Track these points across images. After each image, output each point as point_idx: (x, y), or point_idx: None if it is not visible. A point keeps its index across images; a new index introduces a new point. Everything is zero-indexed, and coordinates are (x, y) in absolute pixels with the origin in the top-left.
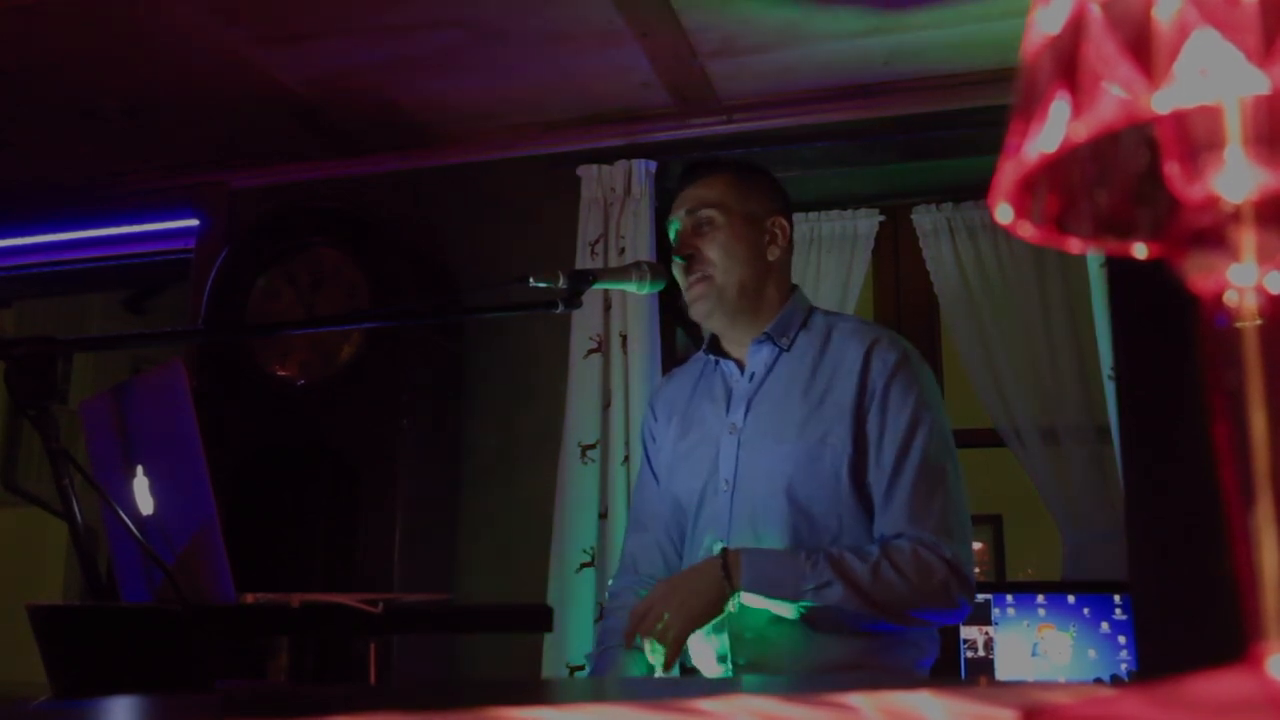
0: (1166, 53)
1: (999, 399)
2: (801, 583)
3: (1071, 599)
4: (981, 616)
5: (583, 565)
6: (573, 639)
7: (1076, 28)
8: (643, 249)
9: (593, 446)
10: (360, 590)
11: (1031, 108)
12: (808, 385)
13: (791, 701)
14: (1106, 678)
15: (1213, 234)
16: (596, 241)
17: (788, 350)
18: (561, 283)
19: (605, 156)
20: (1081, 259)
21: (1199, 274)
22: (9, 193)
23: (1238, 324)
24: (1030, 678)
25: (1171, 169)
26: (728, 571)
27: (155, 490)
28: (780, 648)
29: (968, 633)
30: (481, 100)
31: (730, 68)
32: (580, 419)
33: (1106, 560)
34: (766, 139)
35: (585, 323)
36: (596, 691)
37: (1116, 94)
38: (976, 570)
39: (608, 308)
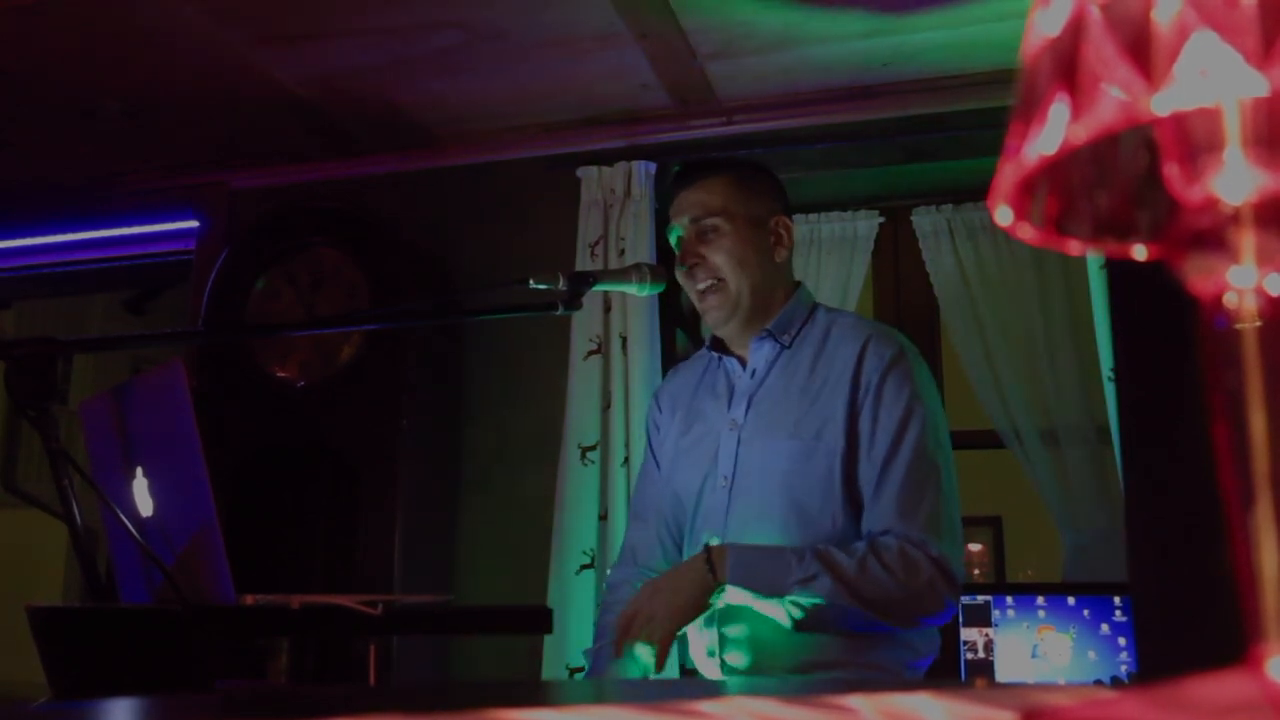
0: (1166, 55)
1: (999, 400)
2: (787, 576)
3: (1071, 600)
4: (981, 618)
5: (583, 567)
6: (573, 641)
7: (1076, 29)
8: (643, 251)
9: (593, 448)
10: (360, 591)
11: (1031, 109)
12: (806, 382)
13: (791, 703)
14: (1106, 679)
15: (1212, 236)
16: (596, 243)
17: (789, 347)
18: (561, 284)
19: (605, 158)
20: (1081, 260)
21: (1198, 275)
22: (9, 193)
23: (1237, 325)
24: (1030, 679)
25: (1171, 171)
26: (712, 566)
27: (155, 491)
28: (768, 644)
29: (967, 634)
30: (481, 101)
31: (730, 69)
32: (580, 420)
33: (1106, 561)
34: (766, 140)
35: (585, 324)
36: (596, 693)
37: (1116, 96)
38: (976, 572)
39: (608, 309)
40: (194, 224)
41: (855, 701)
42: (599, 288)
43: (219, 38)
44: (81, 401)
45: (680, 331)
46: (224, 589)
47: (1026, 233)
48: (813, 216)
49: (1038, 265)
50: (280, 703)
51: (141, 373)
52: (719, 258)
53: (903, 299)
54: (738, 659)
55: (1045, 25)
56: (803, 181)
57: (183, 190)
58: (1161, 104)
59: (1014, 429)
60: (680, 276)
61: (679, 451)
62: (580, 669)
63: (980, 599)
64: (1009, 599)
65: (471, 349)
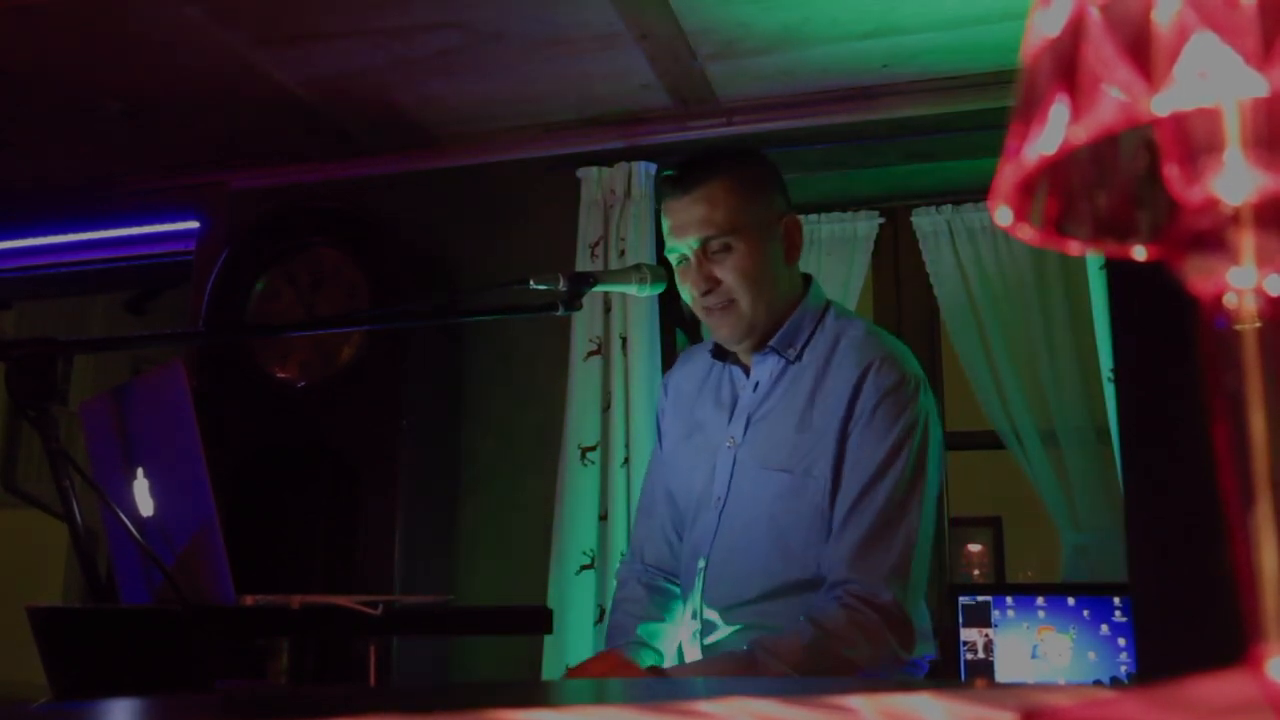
0: (1166, 55)
1: (999, 401)
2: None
3: (1071, 601)
4: (981, 618)
5: (583, 567)
6: (572, 641)
7: (1076, 30)
8: (643, 251)
9: (593, 449)
10: (360, 591)
11: (1031, 110)
12: (805, 408)
13: (791, 703)
14: (1106, 680)
15: (1212, 236)
16: (596, 244)
17: (795, 361)
18: (561, 285)
19: (605, 159)
20: (1081, 261)
21: (1198, 276)
22: (9, 193)
23: (1237, 326)
24: (1030, 680)
25: (1171, 171)
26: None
27: (155, 491)
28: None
29: (967, 634)
30: (481, 102)
31: (730, 70)
32: (580, 421)
33: (1106, 562)
34: (766, 141)
35: (585, 325)
36: (596, 693)
37: (1116, 96)
38: (976, 572)
39: (608, 310)
40: (194, 224)
41: (855, 701)
42: (599, 288)
43: (219, 38)
44: (82, 402)
45: (680, 332)
46: (224, 589)
47: (1026, 233)
48: (813, 217)
49: (1038, 266)
50: (280, 703)
51: (142, 373)
52: (733, 279)
53: (903, 300)
54: (717, 648)
55: (1045, 26)
56: (803, 182)
57: (183, 190)
58: (1161, 105)
59: (1014, 429)
60: (685, 295)
61: (679, 457)
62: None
63: (980, 599)
64: (1009, 599)
65: (471, 349)
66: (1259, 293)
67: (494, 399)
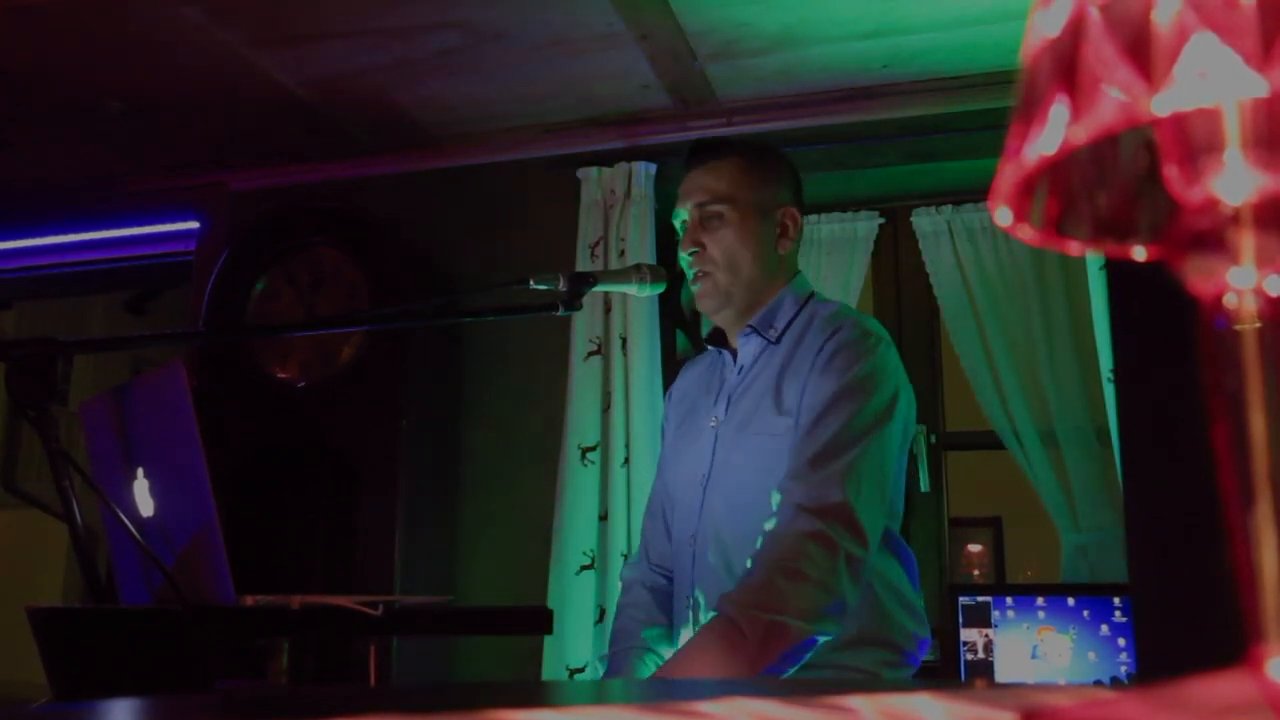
0: (1166, 56)
1: (999, 400)
2: (745, 650)
3: (1071, 601)
4: (981, 618)
5: (583, 568)
6: (573, 641)
7: (1076, 30)
8: (643, 251)
9: (593, 449)
10: (360, 592)
11: (1031, 110)
12: (775, 381)
13: (791, 704)
14: (1106, 680)
15: (1212, 236)
16: (597, 244)
17: (775, 343)
18: (562, 285)
19: (605, 159)
20: (1081, 261)
21: (1198, 276)
22: (9, 193)
23: (1237, 326)
24: (1030, 680)
25: (1171, 172)
26: None
27: (155, 491)
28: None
29: (967, 635)
30: (481, 102)
31: (730, 70)
32: (580, 421)
33: (1106, 562)
34: (766, 141)
35: (585, 325)
36: (596, 694)
37: (1116, 97)
38: (976, 572)
39: (608, 310)
40: (194, 224)
41: (855, 702)
42: (599, 288)
43: (219, 38)
44: (82, 402)
45: (680, 332)
46: (224, 589)
47: (1026, 233)
48: (813, 217)
49: (1038, 266)
50: (280, 703)
51: (142, 373)
52: (718, 249)
53: (903, 300)
54: None
55: (1045, 26)
56: (803, 182)
57: (183, 191)
58: (1161, 105)
59: (1014, 429)
60: (682, 261)
61: (674, 447)
62: (580, 669)
63: (980, 599)
64: (1009, 599)
65: (471, 349)
66: (1259, 293)
67: (494, 399)
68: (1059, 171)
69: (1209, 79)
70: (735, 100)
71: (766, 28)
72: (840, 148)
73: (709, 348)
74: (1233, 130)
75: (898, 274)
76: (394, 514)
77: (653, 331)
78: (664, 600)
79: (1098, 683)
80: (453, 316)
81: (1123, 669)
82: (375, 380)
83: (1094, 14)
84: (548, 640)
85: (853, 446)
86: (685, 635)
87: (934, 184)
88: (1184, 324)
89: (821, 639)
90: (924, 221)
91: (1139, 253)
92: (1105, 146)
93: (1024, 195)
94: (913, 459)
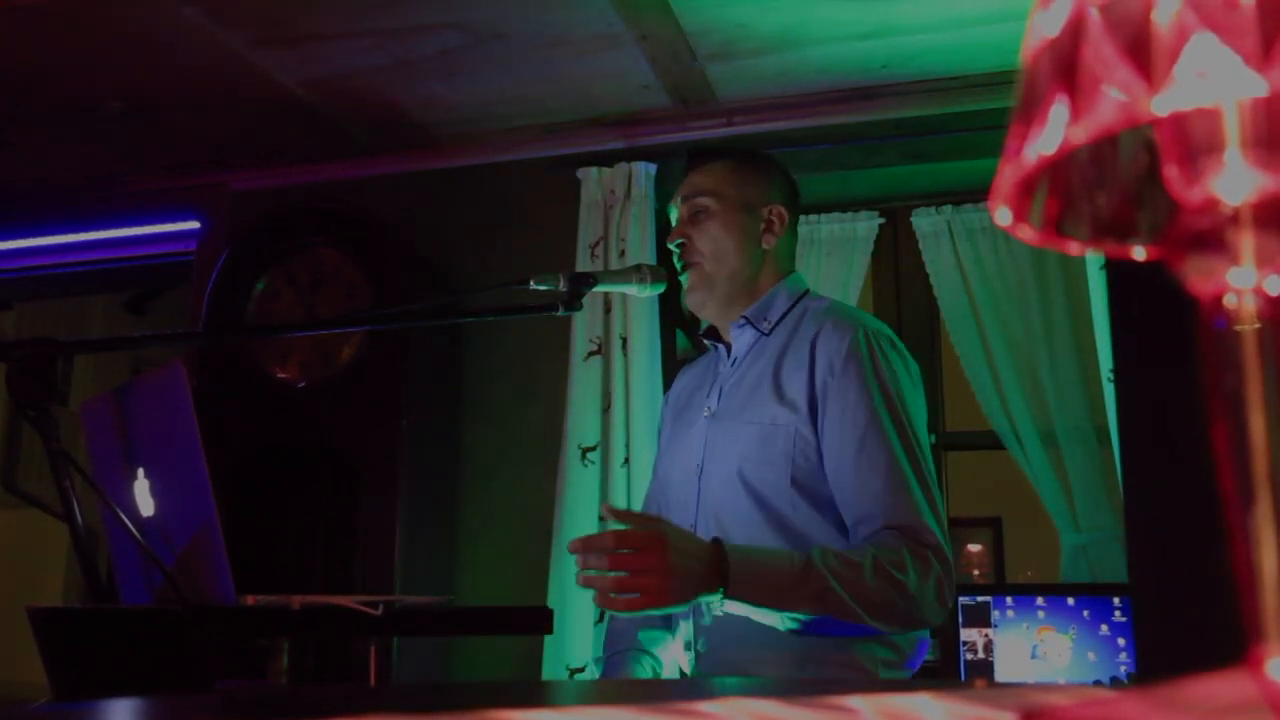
0: (1165, 56)
1: (999, 400)
2: (792, 593)
3: (1071, 601)
4: (981, 618)
5: None
6: (573, 641)
7: (1075, 30)
8: (643, 251)
9: (593, 449)
10: (360, 591)
11: (1031, 110)
12: (771, 370)
13: (791, 704)
14: (1106, 680)
15: (1212, 236)
16: (597, 244)
17: (768, 335)
18: (562, 285)
19: (605, 159)
20: (1081, 261)
21: (1198, 276)
22: (9, 193)
23: (1237, 327)
24: (1030, 680)
25: (1170, 172)
26: (721, 570)
27: (155, 491)
28: (735, 637)
29: (967, 634)
30: (481, 102)
31: (730, 70)
32: (580, 421)
33: (1106, 562)
34: (766, 141)
35: (586, 325)
36: (596, 694)
37: (1116, 97)
38: (976, 572)
39: (608, 310)
40: (194, 224)
41: (855, 702)
42: (599, 288)
43: (219, 38)
44: (82, 402)
45: (680, 332)
46: (224, 589)
47: (1026, 234)
48: (813, 217)
49: (1038, 266)
50: (280, 703)
51: (142, 373)
52: (703, 240)
53: (903, 300)
54: (713, 651)
55: (1045, 26)
56: (802, 182)
57: (183, 191)
58: (1161, 105)
59: (1014, 429)
60: (674, 258)
61: (669, 444)
62: (580, 669)
63: (980, 599)
64: (1009, 599)
65: (472, 349)
66: (1258, 293)
67: (494, 399)
68: (1059, 171)
69: (1209, 79)
70: (735, 100)
71: (766, 28)
72: (840, 148)
73: (707, 344)
74: (1232, 130)
75: (898, 274)
76: (394, 514)
77: (653, 331)
78: None
79: (1097, 683)
80: (453, 316)
81: (1122, 669)
82: (375, 380)
83: (1094, 14)
84: (548, 640)
85: (912, 468)
86: (684, 629)
87: (934, 184)
88: (1184, 324)
89: (879, 631)
90: (924, 221)
91: (1139, 253)
92: (1105, 147)
93: (1024, 195)
94: None
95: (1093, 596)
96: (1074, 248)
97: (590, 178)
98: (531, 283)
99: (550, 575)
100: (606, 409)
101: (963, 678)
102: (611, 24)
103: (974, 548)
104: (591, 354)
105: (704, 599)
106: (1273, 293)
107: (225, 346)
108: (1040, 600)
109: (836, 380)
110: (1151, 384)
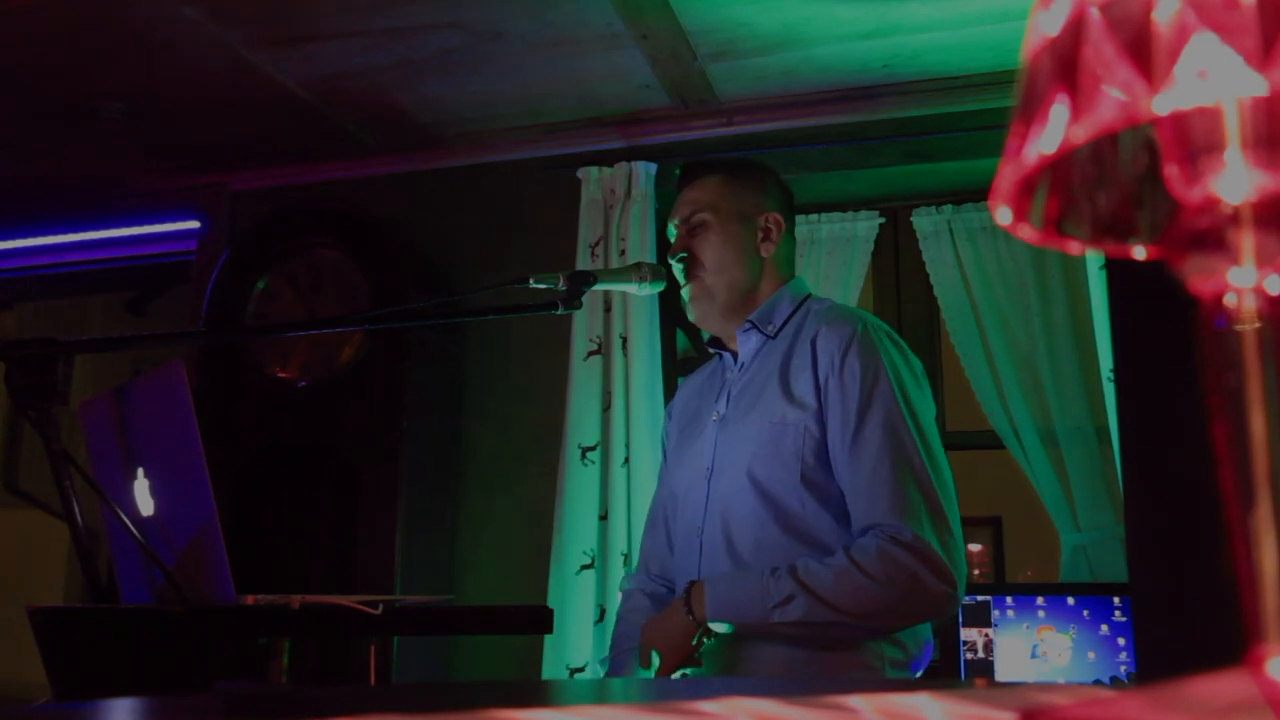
0: (1166, 55)
1: (999, 400)
2: (764, 601)
3: (1071, 601)
4: (981, 618)
5: (583, 567)
6: (573, 641)
7: (1076, 30)
8: (643, 251)
9: (593, 448)
10: (360, 591)
11: (1031, 110)
12: (778, 371)
13: (791, 703)
14: (1106, 679)
15: (1212, 236)
16: (597, 243)
17: (773, 338)
18: (562, 284)
19: (606, 159)
20: (1081, 261)
21: (1198, 276)
22: (9, 193)
23: (1237, 326)
24: (1030, 679)
25: (1171, 171)
26: (690, 607)
27: (156, 491)
28: (744, 644)
29: (967, 634)
30: (482, 102)
31: (730, 70)
32: (580, 421)
33: (1106, 562)
34: (767, 141)
35: (586, 324)
36: (596, 693)
37: (1116, 96)
38: (976, 572)
39: (608, 309)
40: (195, 224)
41: (855, 701)
42: (599, 287)
43: (219, 39)
44: (82, 402)
45: (680, 332)
46: (224, 589)
47: (1027, 233)
48: (813, 217)
49: (1038, 266)
50: (280, 703)
51: (142, 374)
52: (704, 252)
53: (903, 300)
54: (718, 650)
55: (1045, 26)
56: (803, 182)
57: (183, 191)
58: (1161, 104)
59: (1014, 429)
60: (675, 273)
61: (677, 450)
62: (580, 669)
63: (980, 599)
64: (1009, 599)
65: (472, 349)
66: (1259, 292)
67: (494, 399)
68: (1059, 171)
69: (1209, 78)
70: (735, 100)
71: (767, 28)
72: (840, 147)
73: (712, 352)
74: (1233, 130)
75: (898, 274)
76: (394, 514)
77: (653, 331)
78: (663, 605)
79: (1097, 682)
80: (453, 316)
81: (1122, 669)
82: (376, 380)
83: (1094, 14)
84: (548, 640)
85: (901, 464)
86: None
87: (934, 184)
88: (1184, 324)
89: (869, 637)
90: (924, 221)
91: (1139, 252)
92: (1105, 146)
93: (1024, 195)
94: None
95: (1093, 596)
96: (1074, 247)
97: (590, 177)
98: (531, 281)
99: (550, 575)
100: (606, 408)
101: (963, 677)
102: (611, 24)
103: (974, 547)
104: (591, 353)
105: (695, 639)
106: (1273, 292)
107: (225, 347)
108: (1040, 600)
109: (836, 375)
110: (1151, 384)
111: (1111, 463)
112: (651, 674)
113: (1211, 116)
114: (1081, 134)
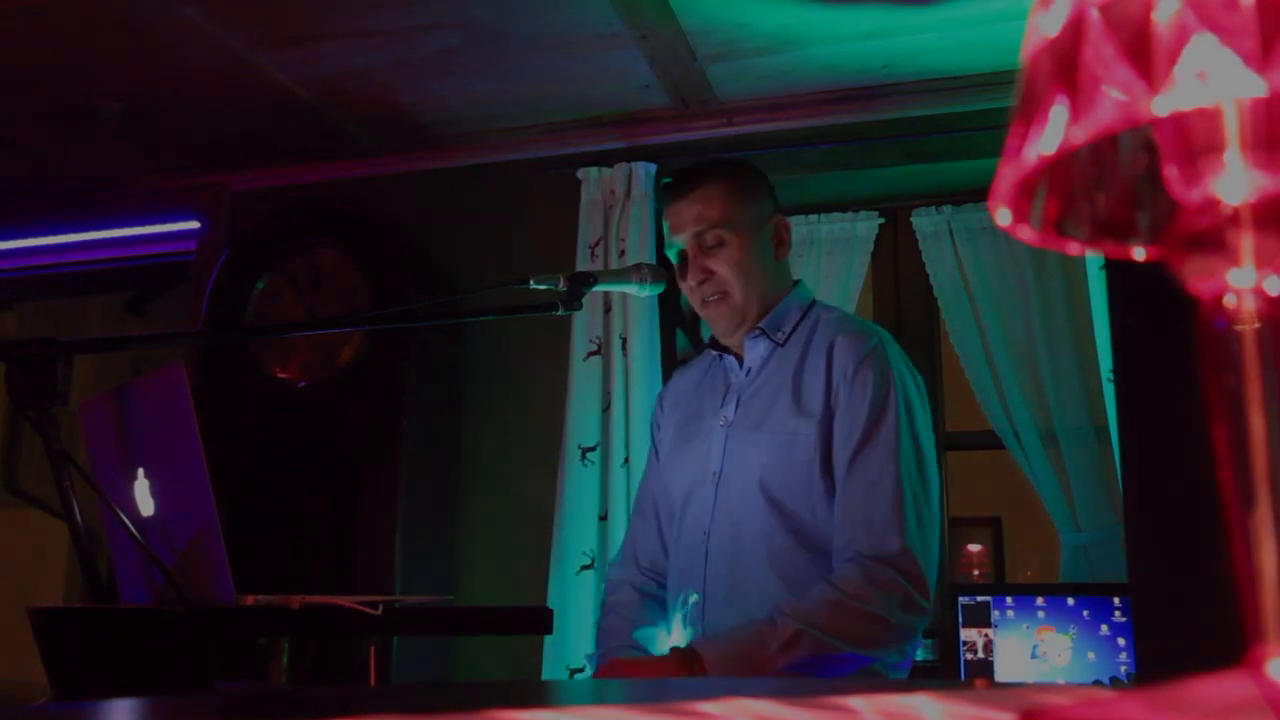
0: (1165, 56)
1: (999, 401)
2: (767, 648)
3: (1071, 601)
4: (981, 618)
5: (583, 568)
6: (573, 641)
7: (1076, 31)
8: (643, 251)
9: (593, 449)
10: (360, 591)
11: (1031, 111)
12: (790, 380)
13: (790, 704)
14: (1106, 680)
15: (1211, 237)
16: (597, 244)
17: (783, 345)
18: (562, 285)
19: (606, 159)
20: (1081, 261)
21: (1198, 276)
22: (9, 193)
23: (1236, 327)
24: (1030, 680)
25: (1170, 172)
26: (692, 669)
27: (155, 492)
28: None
29: (967, 635)
30: (482, 102)
31: (730, 70)
32: (580, 421)
33: (1106, 562)
34: (767, 141)
35: (585, 325)
36: (595, 693)
37: (1115, 97)
38: (976, 572)
39: (608, 310)
40: (195, 225)
41: (855, 702)
42: (599, 288)
43: (220, 39)
44: (82, 402)
45: (680, 332)
46: (224, 589)
47: (1026, 234)
48: (813, 217)
49: (1038, 266)
50: (280, 703)
51: (142, 374)
52: (726, 270)
53: (902, 300)
54: None
55: (1045, 27)
56: (803, 182)
57: (183, 191)
58: (1161, 105)
59: (1014, 430)
60: (685, 290)
61: (676, 448)
62: (580, 669)
63: (980, 599)
64: (1008, 599)
65: (472, 349)
66: (1258, 293)
67: (494, 399)
68: (1059, 172)
69: (1208, 80)
70: (735, 100)
71: (767, 28)
72: (840, 148)
73: (709, 352)
74: (1232, 131)
75: (898, 274)
76: (394, 514)
77: (653, 331)
78: (653, 603)
79: (1097, 683)
80: (453, 316)
81: (1122, 669)
82: (376, 381)
83: (1094, 15)
84: (548, 640)
85: (891, 478)
86: (684, 634)
87: (934, 184)
88: (1184, 324)
89: (873, 661)
90: (924, 222)
91: (1139, 253)
92: (1105, 147)
93: (1024, 195)
94: None
95: (1093, 596)
96: (1074, 248)
97: (590, 178)
98: (531, 282)
99: (550, 575)
100: (606, 409)
101: (963, 678)
102: (611, 24)
103: (974, 547)
104: (591, 354)
105: None
106: (1272, 293)
107: (225, 347)
108: (1040, 600)
109: (848, 384)
110: (1151, 384)
111: (1111, 463)
112: None
113: (1211, 117)
114: (1081, 135)
